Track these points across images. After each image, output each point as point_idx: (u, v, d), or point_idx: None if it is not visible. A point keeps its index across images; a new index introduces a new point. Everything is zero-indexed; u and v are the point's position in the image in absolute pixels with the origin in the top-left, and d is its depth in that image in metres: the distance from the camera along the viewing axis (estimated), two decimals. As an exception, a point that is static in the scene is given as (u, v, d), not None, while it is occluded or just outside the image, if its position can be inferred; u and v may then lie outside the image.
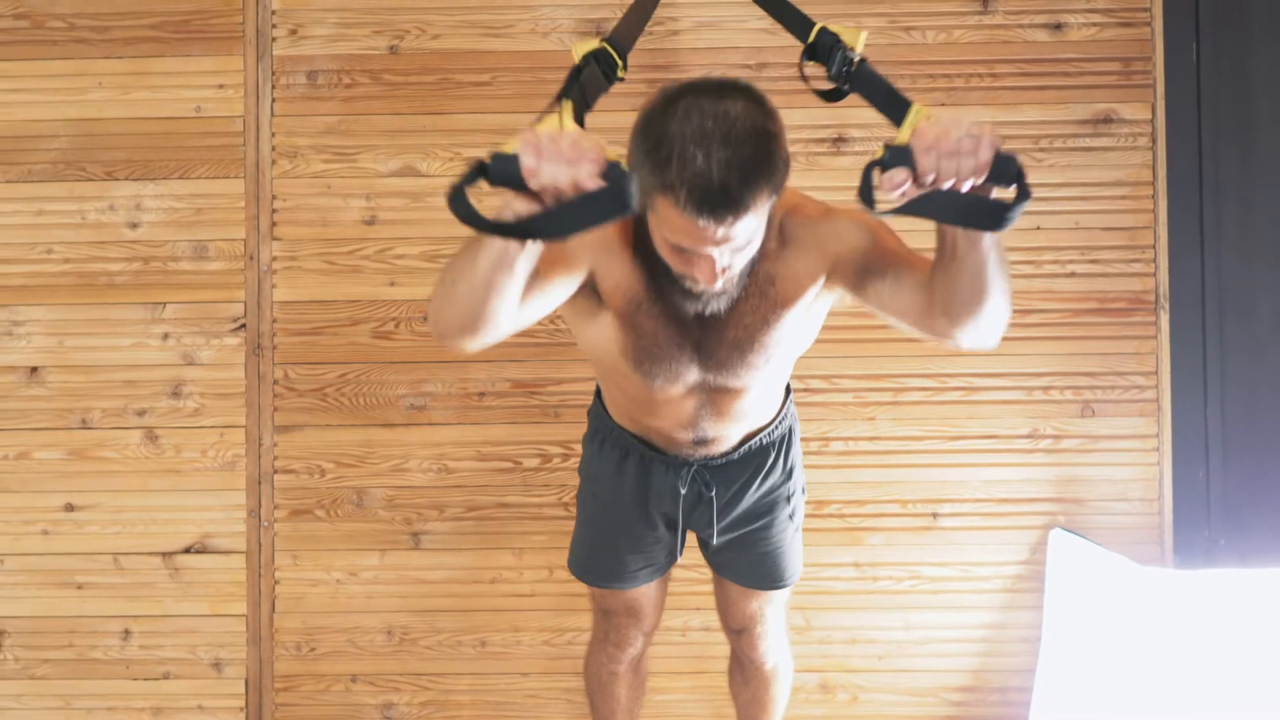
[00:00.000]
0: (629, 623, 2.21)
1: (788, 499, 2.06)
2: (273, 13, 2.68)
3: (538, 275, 1.55)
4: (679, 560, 2.12)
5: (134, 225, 2.68)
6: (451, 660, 2.67)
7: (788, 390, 2.02)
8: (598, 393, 2.07)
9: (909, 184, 1.33)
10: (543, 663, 2.67)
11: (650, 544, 2.07)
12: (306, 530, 2.66)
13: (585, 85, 1.76)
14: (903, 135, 1.34)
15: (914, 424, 2.64)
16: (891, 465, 2.63)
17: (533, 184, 1.32)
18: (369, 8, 2.67)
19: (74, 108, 2.68)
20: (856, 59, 1.73)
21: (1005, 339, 2.60)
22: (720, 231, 1.45)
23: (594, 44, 1.81)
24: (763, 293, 1.69)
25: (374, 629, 2.67)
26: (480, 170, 1.32)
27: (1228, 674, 2.40)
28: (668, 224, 1.47)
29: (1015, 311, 2.62)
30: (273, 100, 2.67)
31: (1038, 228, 2.63)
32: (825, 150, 2.64)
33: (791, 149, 2.67)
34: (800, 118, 2.64)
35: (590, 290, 1.70)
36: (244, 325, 2.68)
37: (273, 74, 2.67)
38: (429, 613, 2.67)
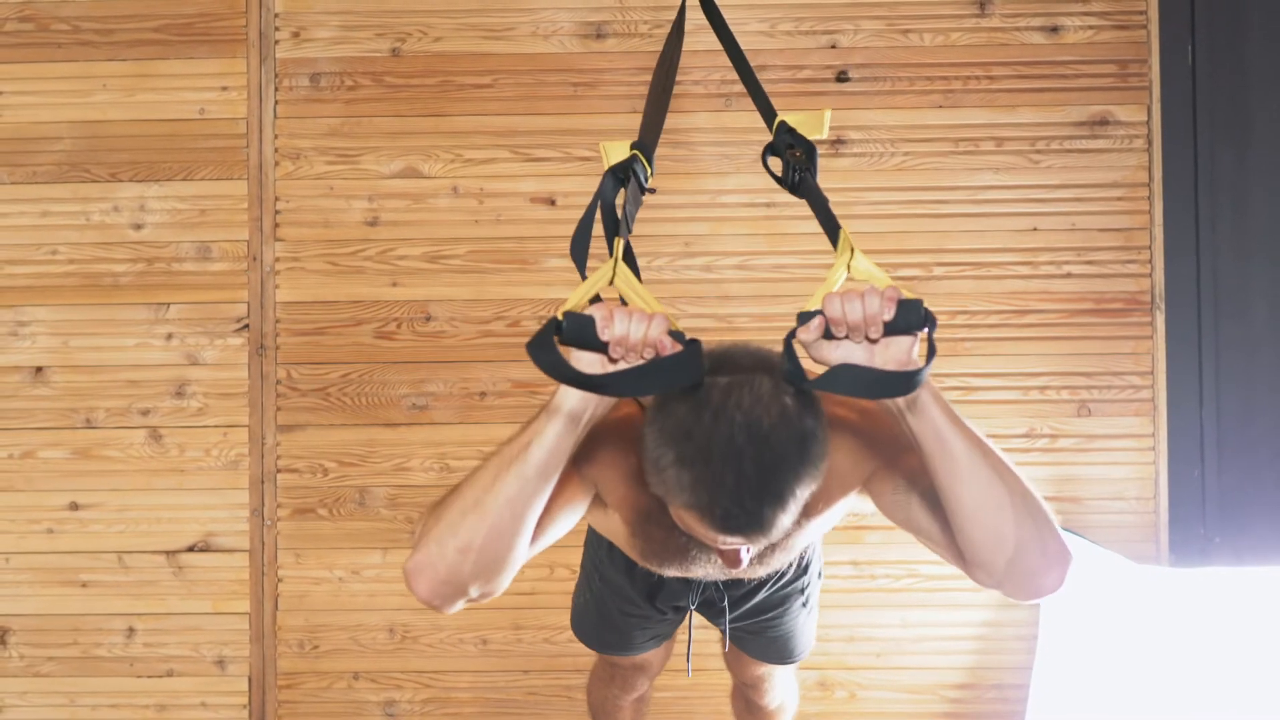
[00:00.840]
0: (635, 673, 2.19)
1: (803, 590, 1.94)
2: (276, 16, 2.68)
3: (547, 510, 1.40)
4: None
5: (138, 226, 2.69)
6: (453, 658, 2.67)
7: None
8: None
9: (820, 333, 1.26)
10: (543, 660, 2.67)
11: (657, 624, 1.98)
12: (309, 529, 2.67)
13: (627, 209, 1.57)
14: (814, 300, 1.29)
15: (912, 423, 2.63)
16: (889, 464, 2.63)
17: (606, 338, 1.24)
18: (371, 11, 2.67)
19: (79, 110, 2.69)
20: (798, 176, 1.60)
21: (1002, 339, 2.63)
22: (749, 545, 1.32)
23: (624, 152, 1.64)
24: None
25: (376, 627, 2.67)
26: (555, 326, 1.26)
27: (1223, 670, 2.40)
28: (688, 527, 1.31)
29: (1012, 311, 2.63)
30: (275, 102, 2.68)
31: (1034, 229, 2.63)
32: (824, 152, 2.63)
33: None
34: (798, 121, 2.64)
35: (598, 500, 1.53)
36: (247, 325, 2.68)
37: (275, 76, 2.68)
38: (430, 611, 2.67)
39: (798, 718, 2.65)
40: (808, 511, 1.42)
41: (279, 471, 2.67)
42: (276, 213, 2.68)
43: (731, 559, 1.36)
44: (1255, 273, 2.61)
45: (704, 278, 2.64)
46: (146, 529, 2.67)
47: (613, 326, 1.22)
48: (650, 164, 1.66)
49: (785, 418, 1.23)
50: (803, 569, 1.92)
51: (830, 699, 2.66)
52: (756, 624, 1.96)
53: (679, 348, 1.23)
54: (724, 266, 2.64)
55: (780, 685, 2.22)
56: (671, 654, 2.24)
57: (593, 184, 2.62)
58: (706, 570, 1.58)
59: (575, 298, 1.30)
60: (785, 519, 1.25)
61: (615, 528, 1.59)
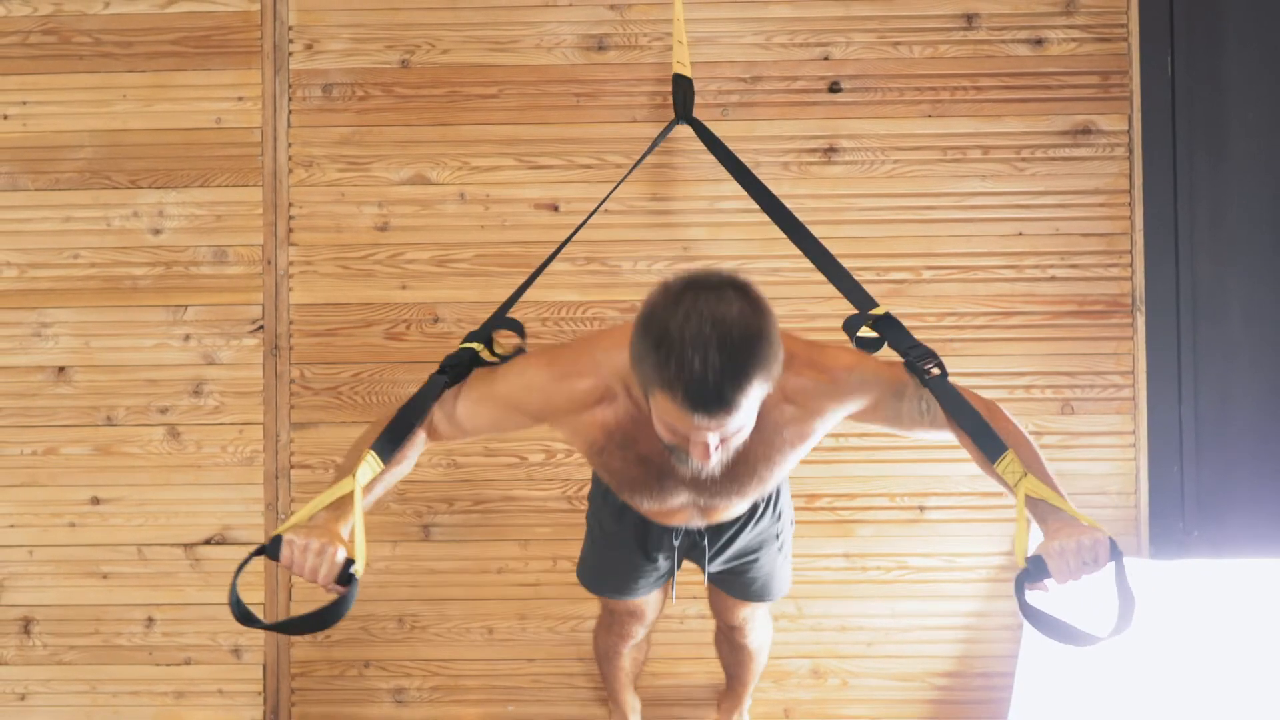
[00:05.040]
0: (631, 620, 2.28)
1: (776, 535, 2.11)
2: (289, 29, 2.68)
3: (472, 427, 1.78)
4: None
5: (157, 231, 2.69)
6: (460, 646, 2.67)
7: None
8: None
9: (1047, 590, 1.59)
10: (547, 648, 2.67)
11: (649, 571, 2.11)
12: (322, 522, 2.66)
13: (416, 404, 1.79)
14: (1019, 544, 1.62)
15: (901, 421, 2.64)
16: (880, 460, 2.63)
17: (285, 566, 1.57)
18: (381, 24, 2.67)
19: (100, 119, 2.69)
20: (935, 372, 1.77)
21: (988, 340, 2.64)
22: (714, 423, 1.48)
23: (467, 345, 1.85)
24: (770, 440, 1.71)
25: (386, 617, 2.68)
26: (260, 549, 1.59)
27: (1201, 659, 2.41)
28: (665, 413, 1.51)
29: (998, 313, 2.64)
30: (289, 112, 2.68)
31: (1019, 234, 2.64)
32: (817, 160, 2.64)
33: (784, 159, 2.70)
34: (793, 129, 2.65)
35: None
36: (262, 327, 2.68)
37: (289, 87, 2.68)
38: (439, 601, 2.67)
39: (793, 704, 2.66)
40: (788, 438, 1.71)
41: (292, 467, 2.67)
42: (290, 218, 2.68)
43: (700, 450, 1.52)
44: (1232, 277, 2.61)
45: (701, 281, 2.64)
46: (165, 522, 2.68)
47: (290, 562, 1.56)
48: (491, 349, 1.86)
49: (744, 319, 1.46)
50: (776, 515, 2.07)
51: (823, 686, 2.66)
52: (738, 565, 2.09)
53: (340, 590, 1.57)
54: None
55: (759, 627, 2.33)
56: (664, 608, 2.32)
57: (594, 190, 2.64)
58: (677, 499, 1.78)
59: (304, 512, 1.61)
60: (743, 400, 1.46)
61: (585, 457, 1.81)
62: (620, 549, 2.08)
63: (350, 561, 1.58)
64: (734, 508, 1.89)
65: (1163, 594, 2.46)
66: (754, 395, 1.48)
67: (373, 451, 1.67)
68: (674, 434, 1.54)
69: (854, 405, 1.74)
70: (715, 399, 1.45)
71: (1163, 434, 2.61)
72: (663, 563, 2.08)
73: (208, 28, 2.69)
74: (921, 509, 2.63)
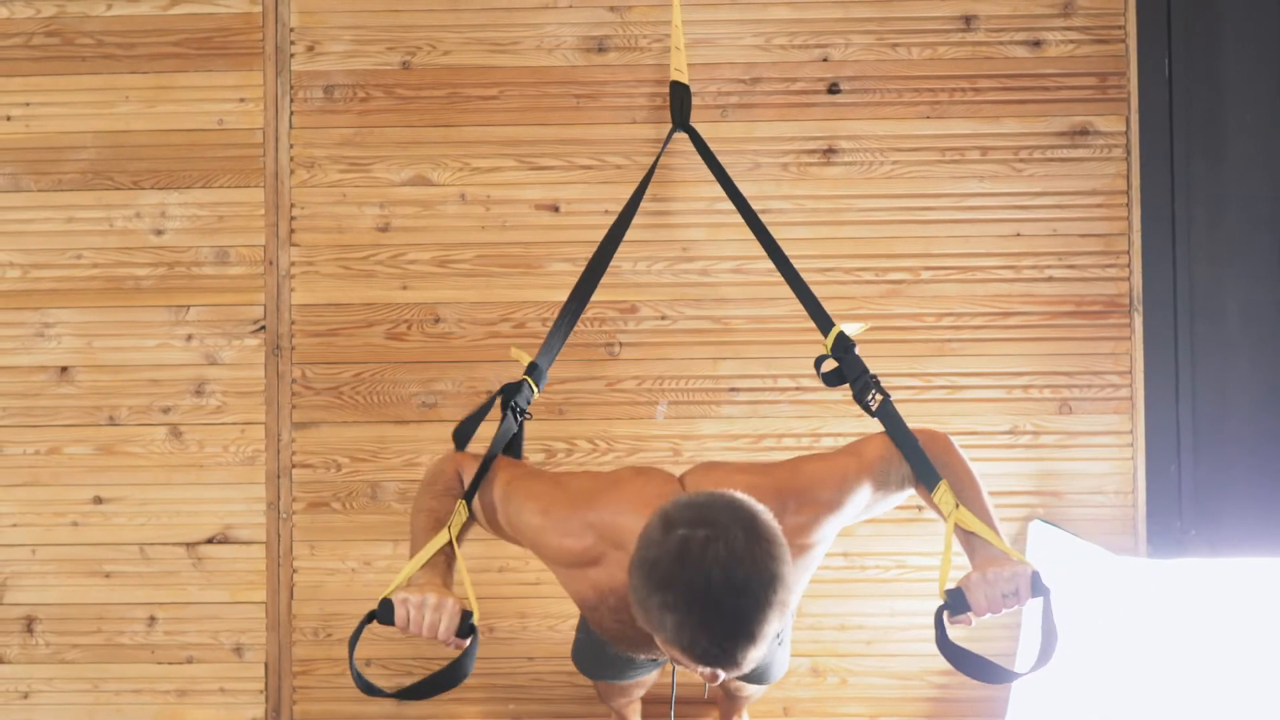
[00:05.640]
0: (633, 688, 2.26)
1: (777, 634, 2.02)
2: (291, 30, 2.68)
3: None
4: None
5: (159, 232, 2.69)
6: (461, 645, 2.67)
7: None
8: None
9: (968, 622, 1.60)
10: (548, 647, 2.67)
11: (649, 666, 2.09)
12: (323, 522, 2.67)
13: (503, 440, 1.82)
14: (943, 580, 1.64)
15: (900, 421, 2.64)
16: (879, 460, 2.63)
17: (401, 628, 1.59)
18: (383, 25, 2.67)
19: (102, 120, 2.69)
20: (878, 400, 1.78)
21: (987, 340, 2.64)
22: (722, 676, 1.45)
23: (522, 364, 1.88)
24: None
25: (387, 615, 2.67)
26: (370, 616, 1.62)
27: (1198, 659, 2.41)
28: (673, 655, 1.45)
29: (996, 314, 2.64)
30: (291, 113, 2.68)
31: (1017, 234, 2.64)
32: (816, 161, 2.65)
33: (783, 160, 2.70)
34: (792, 130, 2.65)
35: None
36: (264, 327, 2.68)
37: (291, 88, 2.68)
38: (439, 600, 2.67)
39: (792, 702, 2.66)
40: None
41: (294, 467, 2.67)
42: (292, 219, 2.68)
43: (709, 678, 1.46)
44: (1229, 277, 2.61)
45: (701, 281, 2.65)
46: (167, 522, 2.68)
47: (407, 622, 1.56)
48: (539, 385, 1.92)
49: (756, 568, 1.37)
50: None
51: (822, 685, 2.66)
52: None
53: (463, 644, 1.58)
54: (720, 270, 2.65)
55: (753, 699, 2.36)
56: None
57: (595, 191, 2.63)
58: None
59: (406, 572, 1.61)
60: (756, 653, 1.40)
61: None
62: (615, 656, 2.01)
63: (468, 613, 1.59)
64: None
65: (1160, 593, 2.46)
66: (769, 641, 1.42)
67: (462, 501, 1.68)
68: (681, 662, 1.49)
69: (853, 509, 1.73)
70: (729, 661, 1.39)
71: (1160, 434, 2.61)
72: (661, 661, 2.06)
73: (209, 29, 2.69)
74: (920, 508, 2.63)
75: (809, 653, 2.66)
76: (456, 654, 1.61)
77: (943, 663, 2.63)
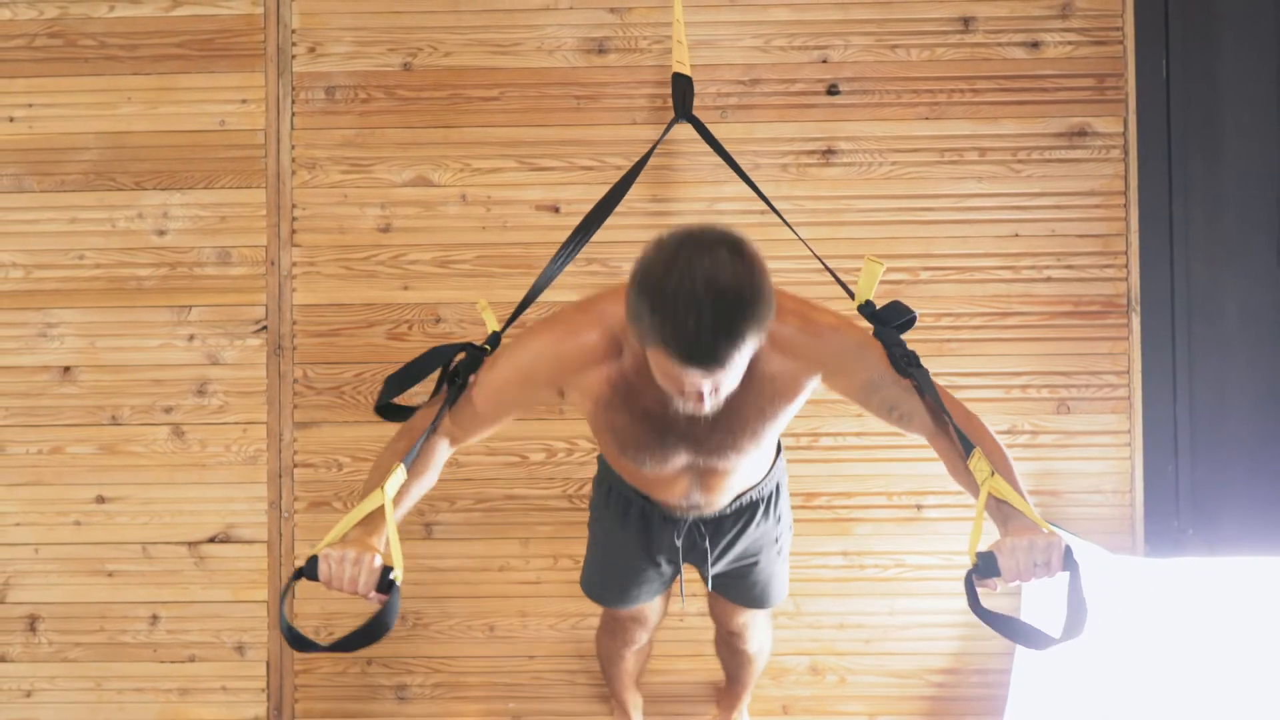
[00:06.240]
0: (634, 626, 2.28)
1: (776, 539, 2.11)
2: (293, 32, 2.68)
3: (496, 411, 1.79)
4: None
5: (161, 233, 2.69)
6: (462, 644, 2.67)
7: (778, 448, 2.04)
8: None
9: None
10: (548, 646, 2.67)
11: (653, 577, 2.11)
12: (325, 521, 2.67)
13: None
14: (974, 545, 1.63)
15: (899, 420, 2.64)
16: (878, 459, 2.64)
17: (325, 582, 1.60)
18: (384, 27, 2.68)
19: (105, 121, 2.69)
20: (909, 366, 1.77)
21: (985, 340, 2.64)
22: (707, 376, 1.53)
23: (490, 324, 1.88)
24: (759, 390, 1.72)
25: (388, 614, 2.67)
26: (297, 572, 1.62)
27: (1196, 657, 2.41)
28: (661, 366, 1.56)
29: (995, 314, 2.64)
30: (293, 114, 2.68)
31: (1016, 235, 2.64)
32: (815, 162, 2.65)
33: (783, 160, 2.70)
34: (791, 131, 2.65)
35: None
36: (265, 327, 2.68)
37: (293, 89, 2.68)
38: (441, 599, 2.68)
39: (791, 700, 2.66)
40: (779, 388, 1.73)
41: (296, 466, 2.67)
42: (293, 219, 2.68)
43: (694, 399, 1.57)
44: (1226, 277, 2.61)
45: (701, 281, 2.65)
46: (169, 521, 2.68)
47: (330, 577, 1.59)
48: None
49: (737, 277, 1.49)
50: (776, 518, 2.08)
51: (821, 683, 2.66)
52: (739, 569, 2.10)
53: (383, 598, 1.60)
54: (720, 271, 2.64)
55: (759, 634, 2.34)
56: (666, 613, 2.32)
57: (595, 192, 2.63)
58: (678, 459, 1.79)
59: (338, 529, 1.62)
60: (735, 356, 1.50)
61: (590, 421, 1.83)
62: (623, 553, 2.07)
63: (389, 569, 1.60)
64: (732, 474, 1.87)
65: (1158, 592, 2.46)
66: (746, 350, 1.53)
67: (401, 464, 1.67)
68: (670, 381, 1.58)
69: (832, 368, 1.75)
70: (709, 356, 1.49)
71: (1158, 433, 2.61)
72: (666, 567, 2.08)
73: (211, 31, 2.69)
74: (919, 507, 2.63)
75: (808, 651, 2.66)
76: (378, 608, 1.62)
77: (941, 661, 2.66)
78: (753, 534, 2.04)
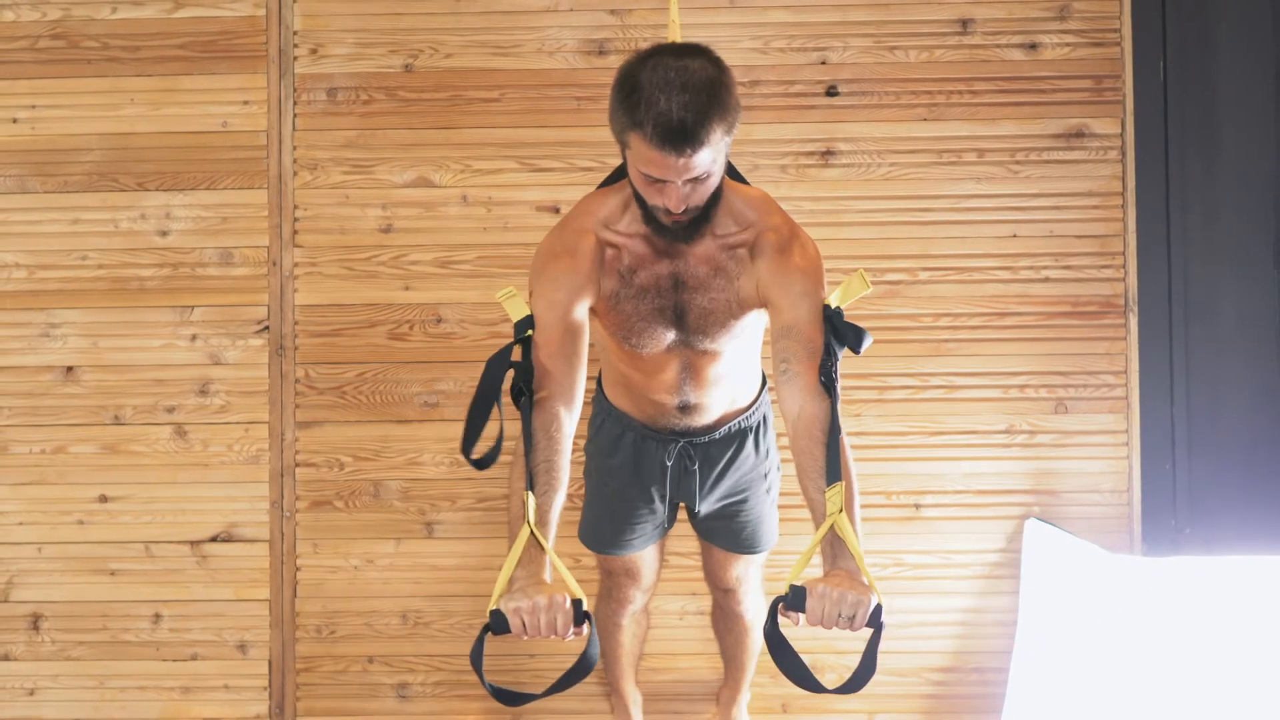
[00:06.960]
0: (628, 582, 2.31)
1: (765, 475, 2.16)
2: (294, 33, 2.68)
3: (562, 350, 1.79)
4: (670, 531, 2.21)
5: (164, 233, 2.69)
6: (462, 642, 2.67)
7: (763, 383, 2.12)
8: (599, 382, 2.17)
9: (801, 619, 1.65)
10: (548, 644, 2.67)
11: (645, 517, 2.16)
12: (326, 520, 2.67)
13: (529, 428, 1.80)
14: (796, 572, 1.64)
15: (897, 420, 2.64)
16: (876, 459, 2.64)
17: (523, 637, 1.65)
18: (385, 28, 2.68)
19: (107, 123, 2.69)
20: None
21: (984, 340, 2.65)
22: (681, 161, 1.62)
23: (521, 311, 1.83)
24: (727, 275, 1.81)
25: (390, 613, 2.68)
26: (485, 629, 1.66)
27: (1193, 656, 2.41)
28: (639, 156, 1.65)
29: (993, 314, 2.64)
30: (294, 115, 2.68)
31: (1014, 235, 2.64)
32: (814, 163, 2.65)
33: (782, 162, 2.70)
34: (791, 132, 2.65)
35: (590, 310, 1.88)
36: (267, 327, 2.68)
37: (294, 91, 2.68)
38: (441, 597, 2.68)
39: (791, 699, 2.66)
40: (742, 286, 1.80)
41: (297, 466, 2.68)
42: (295, 220, 2.68)
43: (673, 197, 1.65)
44: (1223, 277, 2.61)
45: (701, 282, 2.65)
46: (172, 520, 2.68)
47: (524, 629, 1.63)
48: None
49: (705, 69, 1.63)
50: (764, 454, 2.14)
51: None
52: (727, 508, 2.15)
53: (582, 632, 1.61)
54: (720, 271, 2.65)
55: (753, 594, 2.36)
56: (660, 571, 2.35)
57: (595, 193, 2.62)
58: (667, 337, 1.85)
59: (503, 576, 1.63)
60: (706, 136, 1.60)
61: (602, 323, 1.90)
62: (616, 483, 2.13)
63: (578, 601, 1.60)
64: (715, 364, 1.91)
65: (1155, 591, 2.46)
66: (717, 135, 1.62)
67: (529, 492, 1.69)
68: (650, 186, 1.67)
69: (765, 265, 1.79)
70: (681, 133, 1.59)
71: (1155, 432, 2.61)
72: (658, 504, 2.12)
73: (214, 33, 2.69)
74: (917, 506, 2.63)
75: (806, 649, 2.64)
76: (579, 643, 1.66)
77: (940, 660, 2.66)
78: (741, 465, 2.09)
